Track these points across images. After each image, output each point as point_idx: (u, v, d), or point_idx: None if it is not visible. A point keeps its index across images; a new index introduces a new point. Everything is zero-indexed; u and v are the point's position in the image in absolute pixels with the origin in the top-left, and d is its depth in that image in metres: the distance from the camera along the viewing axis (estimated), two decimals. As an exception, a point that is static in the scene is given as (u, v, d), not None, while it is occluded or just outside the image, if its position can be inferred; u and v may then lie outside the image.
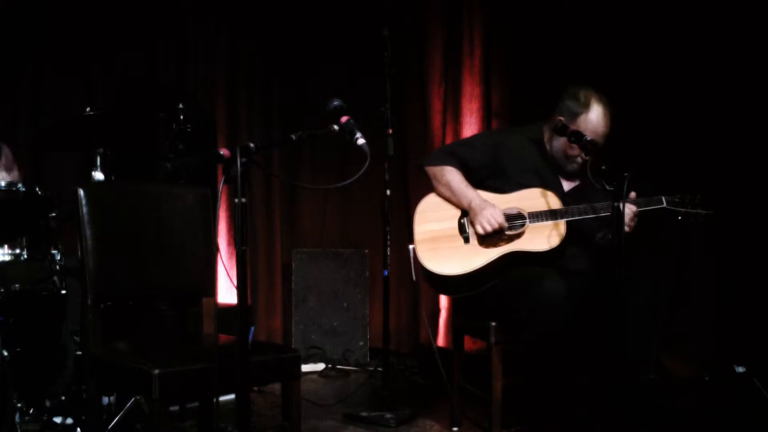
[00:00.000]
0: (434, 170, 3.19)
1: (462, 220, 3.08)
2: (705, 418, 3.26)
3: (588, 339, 2.83)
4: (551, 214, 2.97)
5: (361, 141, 2.15)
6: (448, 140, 4.74)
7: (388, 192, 3.67)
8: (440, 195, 3.16)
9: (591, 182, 2.84)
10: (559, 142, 3.05)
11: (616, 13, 4.03)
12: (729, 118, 3.76)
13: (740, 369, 3.36)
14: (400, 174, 4.85)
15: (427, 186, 4.85)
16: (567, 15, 4.23)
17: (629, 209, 2.86)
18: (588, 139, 2.83)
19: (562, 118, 2.99)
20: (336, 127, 2.19)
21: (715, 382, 3.44)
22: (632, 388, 2.75)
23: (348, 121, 2.18)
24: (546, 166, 3.13)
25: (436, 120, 4.88)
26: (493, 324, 2.98)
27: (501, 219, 2.96)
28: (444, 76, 4.85)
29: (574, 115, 2.98)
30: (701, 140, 3.81)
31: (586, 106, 2.97)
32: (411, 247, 3.13)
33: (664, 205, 2.92)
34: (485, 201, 3.02)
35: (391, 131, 3.64)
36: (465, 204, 3.06)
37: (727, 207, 3.58)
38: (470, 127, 4.67)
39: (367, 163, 2.13)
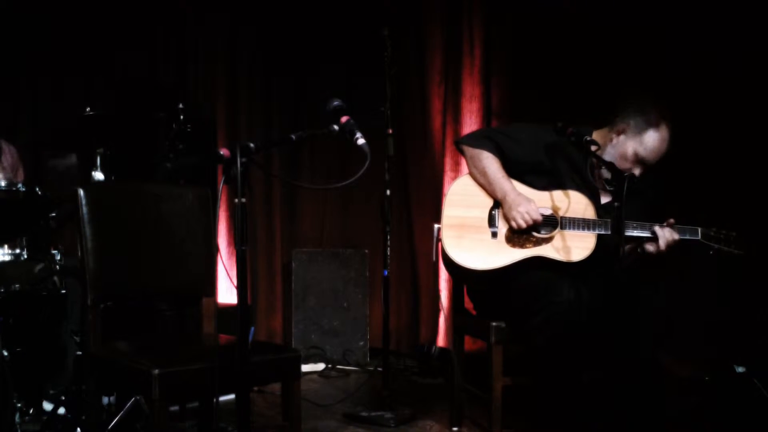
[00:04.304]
0: (472, 152, 3.07)
1: (493, 212, 2.99)
2: (705, 418, 3.26)
3: (593, 340, 2.82)
4: (585, 224, 2.89)
5: (361, 141, 2.15)
6: (448, 140, 4.75)
7: (388, 192, 3.66)
8: (474, 179, 3.06)
9: (628, 199, 2.70)
10: (615, 150, 2.95)
11: (617, 12, 4.03)
12: (738, 118, 3.75)
13: (740, 369, 3.36)
14: (400, 174, 4.85)
15: (426, 186, 4.90)
16: (567, 15, 4.23)
17: (671, 236, 2.83)
18: (588, 138, 2.82)
19: (626, 126, 2.93)
20: (336, 127, 2.19)
21: (715, 382, 3.44)
22: (632, 388, 2.75)
23: (348, 121, 2.18)
24: (587, 180, 3.05)
25: (436, 120, 4.88)
26: (494, 324, 2.98)
27: (537, 215, 2.86)
28: (444, 76, 4.86)
29: (640, 129, 2.90)
30: (697, 138, 3.80)
31: (657, 126, 2.89)
32: (437, 226, 3.07)
33: (699, 237, 2.87)
34: (521, 195, 2.93)
35: (391, 131, 3.63)
36: (499, 195, 2.96)
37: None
38: (470, 127, 4.67)
39: (367, 163, 2.12)
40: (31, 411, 3.06)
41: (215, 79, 4.90)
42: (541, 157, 3.03)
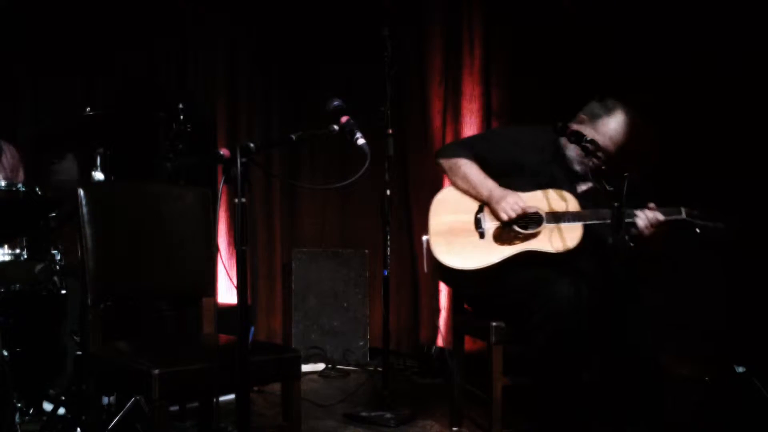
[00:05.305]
0: (449, 162, 3.12)
1: (479, 215, 3.03)
2: (705, 418, 3.26)
3: (592, 339, 2.82)
4: (569, 216, 2.94)
5: (361, 141, 2.15)
6: (448, 140, 4.74)
7: (388, 192, 3.67)
8: (457, 188, 3.10)
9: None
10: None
11: (616, 12, 4.03)
12: (735, 116, 3.75)
13: (740, 369, 3.36)
14: (400, 174, 4.85)
15: (426, 186, 4.89)
16: (567, 15, 4.23)
17: (654, 216, 2.85)
18: (588, 139, 2.83)
19: (585, 116, 3.03)
20: (336, 127, 2.19)
21: (715, 382, 3.44)
22: (632, 387, 2.75)
23: (348, 121, 2.18)
24: (561, 167, 3.10)
25: (436, 120, 4.88)
26: (494, 324, 2.98)
27: (524, 204, 2.92)
28: (444, 76, 4.86)
29: (596, 117, 3.00)
30: (702, 140, 3.81)
31: (610, 112, 2.98)
32: (425, 238, 3.09)
33: (683, 216, 2.89)
34: (505, 189, 2.98)
35: (391, 131, 3.64)
36: (485, 194, 3.00)
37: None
38: (470, 127, 4.67)
39: (367, 163, 2.13)
40: (31, 411, 3.06)
41: (215, 79, 4.90)
42: (521, 157, 3.09)
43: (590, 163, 3.00)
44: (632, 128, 2.98)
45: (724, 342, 3.67)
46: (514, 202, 2.92)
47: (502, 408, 3.01)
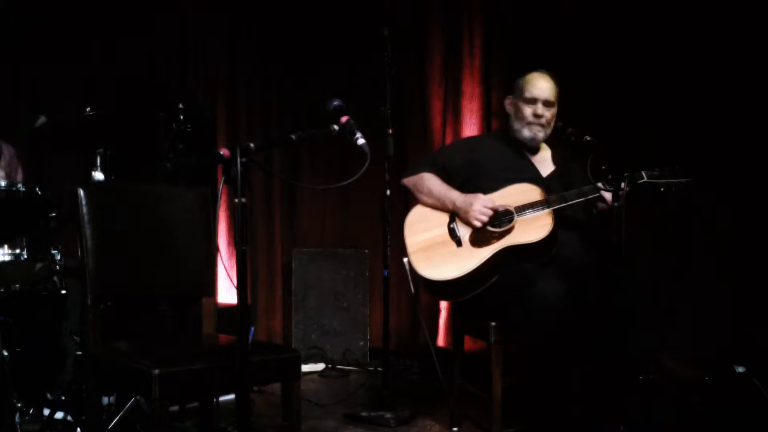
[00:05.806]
0: (412, 180, 3.26)
1: (451, 225, 3.10)
2: (705, 418, 3.25)
3: (585, 337, 2.82)
4: (538, 205, 3.01)
5: (361, 141, 2.16)
6: (448, 140, 4.75)
7: (388, 192, 3.67)
8: (424, 204, 3.21)
9: (566, 166, 3.01)
10: (515, 118, 3.19)
11: (615, 12, 4.03)
12: (728, 116, 3.77)
13: (740, 369, 3.36)
14: (400, 174, 4.83)
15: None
16: (567, 15, 4.23)
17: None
18: (588, 138, 2.87)
19: (510, 96, 3.22)
20: (336, 127, 2.19)
21: (715, 382, 3.44)
22: (631, 386, 2.75)
23: (348, 121, 2.18)
24: (521, 159, 3.20)
25: (436, 120, 4.88)
26: (493, 324, 2.99)
27: (491, 204, 3.00)
28: (444, 76, 4.86)
29: (518, 86, 3.19)
30: (698, 139, 3.81)
31: (525, 75, 3.18)
32: (405, 260, 3.15)
33: (645, 179, 2.94)
34: (468, 195, 3.07)
35: (391, 131, 3.64)
36: (449, 205, 3.10)
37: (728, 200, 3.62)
38: (470, 128, 4.67)
39: (367, 163, 2.13)
40: (31, 411, 3.06)
41: (215, 79, 4.90)
42: (479, 159, 3.20)
43: (532, 118, 3.13)
44: (554, 77, 3.15)
45: (724, 342, 3.67)
46: (482, 206, 3.00)
47: (502, 408, 3.01)
